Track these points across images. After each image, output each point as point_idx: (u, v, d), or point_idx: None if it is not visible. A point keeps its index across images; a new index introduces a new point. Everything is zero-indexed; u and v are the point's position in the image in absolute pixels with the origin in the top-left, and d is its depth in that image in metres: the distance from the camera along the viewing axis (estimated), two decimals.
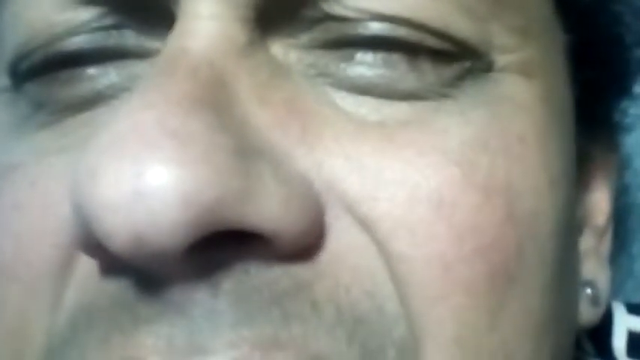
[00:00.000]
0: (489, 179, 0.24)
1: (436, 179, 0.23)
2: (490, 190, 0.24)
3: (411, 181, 0.23)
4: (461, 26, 0.24)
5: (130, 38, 0.25)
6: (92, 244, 0.21)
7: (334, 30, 0.24)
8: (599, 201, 0.33)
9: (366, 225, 0.23)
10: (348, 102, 0.24)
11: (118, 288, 0.23)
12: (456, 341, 0.23)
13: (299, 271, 0.22)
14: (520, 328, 0.24)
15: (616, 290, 0.40)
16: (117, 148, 0.21)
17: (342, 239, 0.23)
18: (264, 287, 0.22)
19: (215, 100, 0.22)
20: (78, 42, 0.26)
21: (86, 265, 0.24)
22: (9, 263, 0.25)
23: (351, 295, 0.22)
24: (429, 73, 0.24)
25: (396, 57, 0.24)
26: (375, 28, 0.24)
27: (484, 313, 0.23)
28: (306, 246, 0.22)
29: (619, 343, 0.36)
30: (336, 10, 0.24)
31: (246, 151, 0.22)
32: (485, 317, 0.23)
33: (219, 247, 0.22)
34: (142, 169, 0.20)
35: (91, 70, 0.26)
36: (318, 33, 0.24)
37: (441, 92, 0.24)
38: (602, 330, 0.36)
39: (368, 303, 0.23)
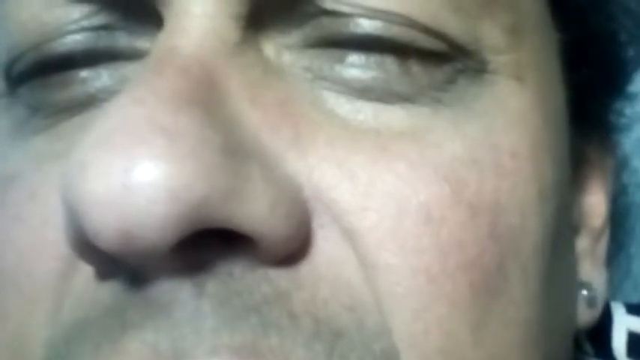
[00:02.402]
0: (477, 197, 0.24)
1: (426, 194, 0.23)
2: (476, 207, 0.24)
3: (401, 194, 0.23)
4: (451, 24, 0.24)
5: (120, 39, 0.25)
6: (83, 242, 0.21)
7: (327, 27, 0.24)
8: (596, 203, 0.33)
9: (351, 236, 0.23)
10: (345, 108, 0.24)
11: (110, 294, 0.23)
12: (440, 354, 0.23)
13: (279, 278, 0.22)
14: (507, 342, 0.24)
15: (615, 290, 0.40)
16: (106, 143, 0.21)
17: (325, 250, 0.23)
18: (244, 292, 0.22)
19: (205, 99, 0.22)
20: (69, 43, 0.26)
21: (83, 277, 0.24)
22: (11, 274, 0.25)
23: (329, 308, 0.22)
24: (421, 76, 0.24)
25: (387, 59, 0.24)
26: (367, 26, 0.24)
27: (468, 327, 0.23)
28: (289, 252, 0.22)
29: (619, 343, 0.36)
30: (330, 4, 0.24)
31: (235, 149, 0.22)
32: (470, 331, 0.23)
33: (206, 247, 0.22)
34: (131, 165, 0.20)
35: (83, 73, 0.26)
36: (311, 30, 0.24)
37: (434, 97, 0.24)
38: (602, 330, 0.36)
39: (347, 317, 0.22)
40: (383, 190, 0.23)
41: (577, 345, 0.36)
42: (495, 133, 0.25)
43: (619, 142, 0.39)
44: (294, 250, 0.22)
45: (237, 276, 0.22)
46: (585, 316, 0.31)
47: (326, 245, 0.23)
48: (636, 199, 0.42)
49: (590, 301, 0.31)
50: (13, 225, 0.25)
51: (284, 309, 0.22)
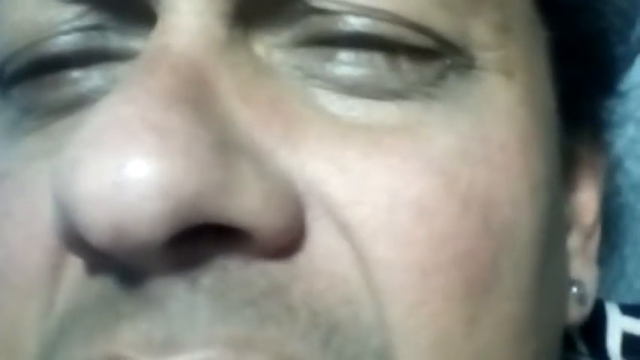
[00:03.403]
0: (469, 189, 0.24)
1: (418, 187, 0.23)
2: (469, 200, 0.24)
3: (394, 188, 0.23)
4: (440, 21, 0.24)
5: (112, 39, 0.26)
6: (74, 238, 0.22)
7: (316, 26, 0.24)
8: (587, 201, 0.33)
9: (346, 229, 0.23)
10: (336, 105, 0.24)
11: (102, 286, 0.23)
12: (433, 348, 0.23)
13: (275, 272, 0.22)
14: (498, 336, 0.24)
15: (609, 291, 0.40)
16: (98, 140, 0.21)
17: (321, 243, 0.23)
18: (240, 286, 0.22)
19: (196, 97, 0.22)
20: (61, 44, 0.26)
21: (74, 270, 0.24)
22: (1, 269, 0.25)
23: (326, 301, 0.22)
24: (410, 72, 0.24)
25: (376, 56, 0.24)
26: (356, 24, 0.24)
27: (461, 321, 0.23)
28: (284, 246, 0.23)
29: (613, 344, 0.36)
30: (318, 3, 0.24)
31: (226, 146, 0.22)
32: (463, 324, 0.23)
33: (199, 242, 0.22)
34: (123, 162, 0.20)
35: (75, 74, 0.26)
36: (300, 29, 0.24)
37: (425, 92, 0.24)
38: (596, 331, 0.36)
39: (344, 310, 0.23)
40: (375, 183, 0.23)
41: (571, 345, 0.36)
42: (485, 127, 0.25)
43: (612, 144, 0.39)
44: (289, 244, 0.23)
45: (233, 270, 0.22)
46: (575, 313, 0.31)
47: (321, 238, 0.23)
48: (629, 200, 0.42)
49: (581, 299, 0.31)
50: (3, 220, 0.25)
51: (282, 301, 0.22)
